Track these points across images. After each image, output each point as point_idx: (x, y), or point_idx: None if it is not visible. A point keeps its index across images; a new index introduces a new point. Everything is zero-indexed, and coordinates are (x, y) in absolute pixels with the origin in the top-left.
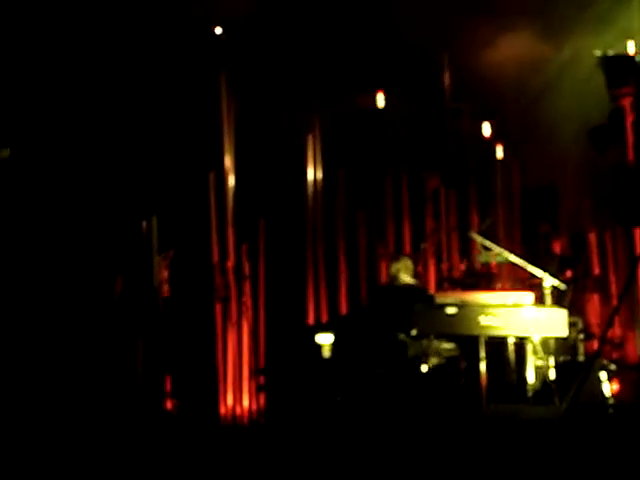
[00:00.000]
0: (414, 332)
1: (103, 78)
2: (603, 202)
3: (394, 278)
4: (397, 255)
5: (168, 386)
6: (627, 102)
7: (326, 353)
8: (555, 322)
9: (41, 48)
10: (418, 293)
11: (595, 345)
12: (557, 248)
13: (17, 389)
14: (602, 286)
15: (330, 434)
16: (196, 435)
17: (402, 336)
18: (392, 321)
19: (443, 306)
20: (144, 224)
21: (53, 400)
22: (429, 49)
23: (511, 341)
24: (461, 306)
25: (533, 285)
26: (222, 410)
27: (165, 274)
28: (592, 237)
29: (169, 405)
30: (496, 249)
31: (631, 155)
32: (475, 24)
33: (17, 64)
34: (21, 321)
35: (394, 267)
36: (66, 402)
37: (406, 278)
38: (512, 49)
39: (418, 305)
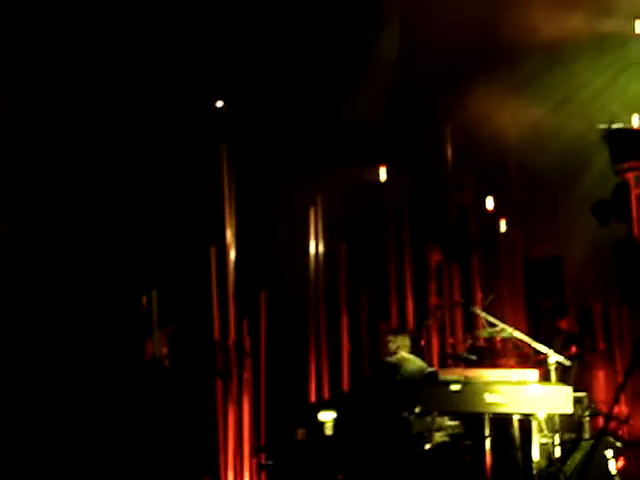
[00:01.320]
0: (418, 409)
1: (104, 152)
2: (608, 277)
3: (394, 354)
4: (396, 332)
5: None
6: (631, 176)
7: (328, 431)
8: (560, 399)
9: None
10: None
11: (601, 422)
12: (562, 323)
13: None
14: (608, 362)
15: None
16: None
17: (406, 413)
18: (396, 398)
19: (447, 383)
20: (144, 299)
21: None
22: (432, 123)
23: (516, 418)
24: (465, 383)
25: (538, 361)
26: None
27: (165, 350)
28: (597, 312)
29: None
30: (500, 325)
31: (636, 230)
32: (478, 98)
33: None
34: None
35: (394, 344)
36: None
37: (405, 355)
38: (515, 123)
39: (422, 382)
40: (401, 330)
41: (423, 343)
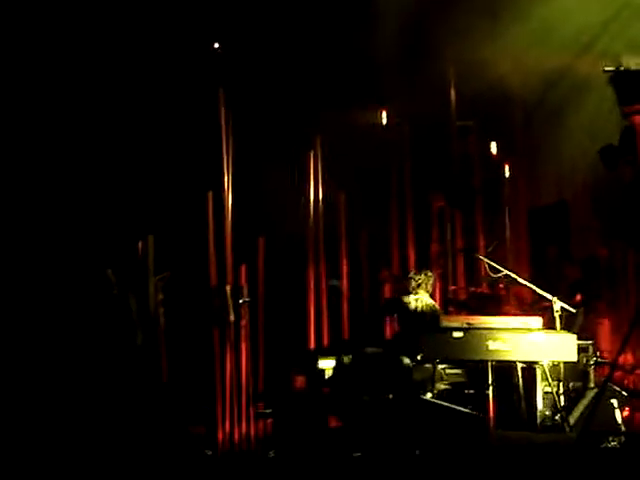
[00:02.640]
0: (419, 357)
1: (101, 94)
2: (614, 223)
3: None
4: (419, 269)
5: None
6: (639, 120)
7: (328, 378)
8: (565, 347)
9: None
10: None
11: (606, 371)
12: (567, 270)
13: None
14: (613, 309)
15: (332, 461)
16: (194, 460)
17: (407, 361)
18: (397, 345)
19: (449, 330)
20: (140, 244)
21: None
22: (435, 66)
23: (520, 366)
24: (468, 330)
25: (542, 309)
26: (220, 435)
27: (161, 296)
28: (603, 259)
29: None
30: (504, 271)
31: None
32: (484, 42)
33: None
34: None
35: (415, 282)
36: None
37: (423, 295)
38: (521, 67)
39: (424, 329)
40: (424, 268)
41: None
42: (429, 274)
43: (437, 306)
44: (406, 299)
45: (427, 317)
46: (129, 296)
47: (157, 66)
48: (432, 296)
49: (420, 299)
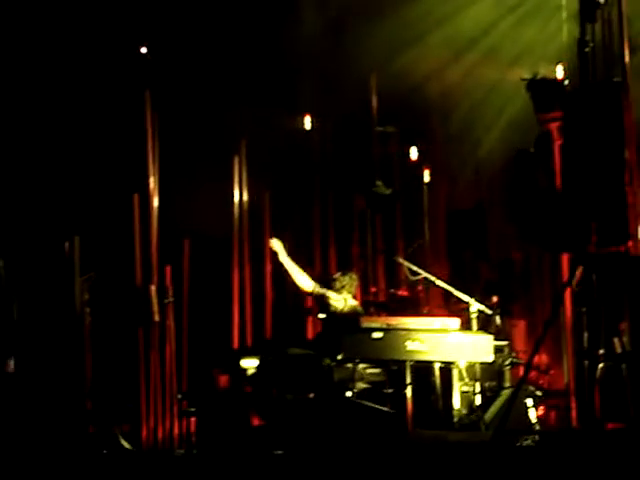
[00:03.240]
0: (340, 357)
1: (25, 96)
2: (530, 227)
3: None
4: (344, 271)
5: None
6: (554, 127)
7: (250, 377)
8: (481, 347)
9: None
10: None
11: (521, 371)
12: (483, 273)
13: None
14: (529, 312)
15: (254, 459)
16: (118, 460)
17: (327, 361)
18: (318, 345)
19: (369, 330)
20: (66, 245)
21: None
22: (357, 72)
23: (437, 366)
24: (387, 331)
25: (459, 310)
26: (144, 434)
27: (86, 297)
28: (518, 262)
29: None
30: (422, 273)
31: (558, 180)
32: (402, 49)
33: None
34: None
35: (340, 283)
36: None
37: (347, 296)
38: (438, 72)
39: (344, 330)
40: (349, 269)
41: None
42: (353, 276)
43: (360, 307)
44: (330, 300)
45: (350, 318)
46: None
47: (84, 68)
48: (355, 297)
49: (344, 300)
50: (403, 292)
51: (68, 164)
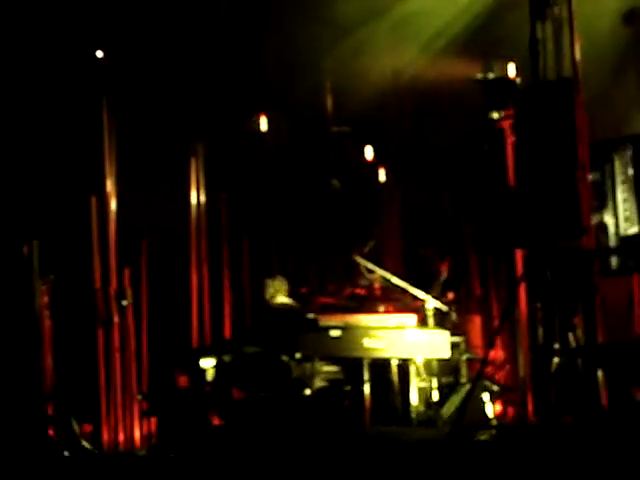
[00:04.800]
0: (298, 355)
1: None
2: (484, 224)
3: (270, 300)
4: (272, 277)
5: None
6: (507, 124)
7: (210, 377)
8: (438, 344)
9: None
10: (296, 313)
11: (478, 366)
12: (440, 269)
13: None
14: (484, 307)
15: (214, 459)
16: (79, 463)
17: (286, 358)
18: (275, 343)
19: (327, 329)
20: (25, 248)
21: None
22: (311, 72)
23: (394, 363)
24: (345, 329)
25: (416, 307)
26: (105, 435)
27: (45, 299)
28: (473, 259)
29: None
30: (379, 271)
31: (511, 177)
32: (355, 46)
33: None
34: None
35: (271, 288)
36: None
37: (283, 299)
38: (393, 72)
39: (302, 327)
40: (276, 274)
41: (305, 290)
42: (281, 280)
43: (294, 302)
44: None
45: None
46: None
47: (41, 71)
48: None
49: (281, 302)
50: (360, 290)
51: (25, 167)
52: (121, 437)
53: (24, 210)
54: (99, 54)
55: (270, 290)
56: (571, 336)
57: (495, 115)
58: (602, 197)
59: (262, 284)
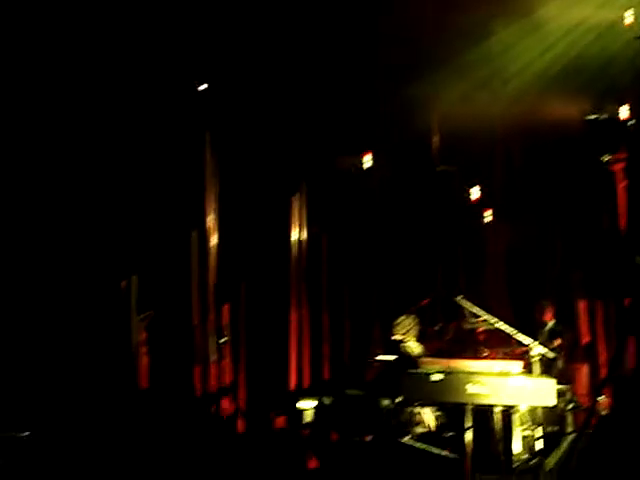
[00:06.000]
0: (399, 399)
1: (87, 135)
2: (594, 270)
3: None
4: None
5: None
6: (619, 168)
7: (308, 419)
8: (543, 391)
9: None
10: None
11: (584, 416)
12: (547, 316)
13: None
14: (592, 355)
15: None
16: None
17: (387, 403)
18: (378, 387)
19: (429, 373)
20: (124, 283)
21: None
22: (417, 110)
23: (498, 410)
24: (447, 373)
25: (522, 353)
26: None
27: (144, 335)
28: (582, 306)
29: None
30: (483, 315)
31: (623, 222)
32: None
33: None
34: None
35: (402, 328)
36: None
37: (412, 344)
38: (501, 110)
39: (404, 372)
40: (407, 312)
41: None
42: (414, 318)
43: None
44: (404, 345)
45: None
46: None
47: (145, 106)
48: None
49: (411, 344)
50: (464, 335)
51: (128, 204)
52: None
53: (124, 245)
54: (202, 87)
55: (399, 329)
56: None
57: (607, 157)
58: None
59: (391, 323)
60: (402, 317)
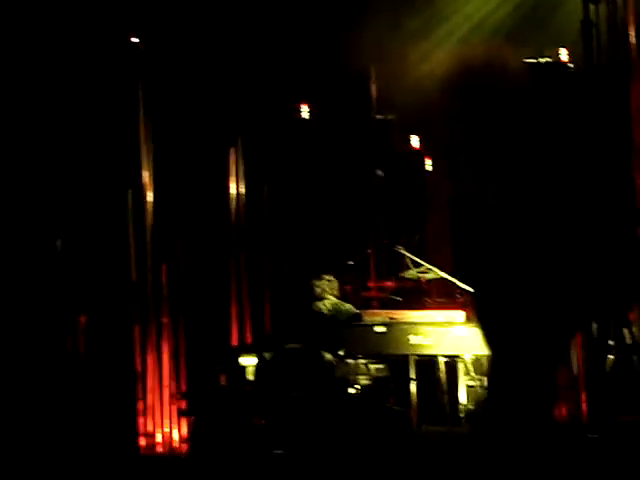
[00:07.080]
0: (342, 352)
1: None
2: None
3: (319, 299)
4: (319, 275)
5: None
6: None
7: (250, 375)
8: None
9: None
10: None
11: None
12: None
13: None
14: None
15: (255, 459)
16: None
17: (329, 356)
18: (319, 341)
19: (371, 325)
20: (59, 243)
21: None
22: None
23: (442, 360)
24: (390, 325)
25: (464, 303)
26: (142, 437)
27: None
28: None
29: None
30: (426, 265)
31: None
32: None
33: None
34: None
35: (318, 288)
36: None
37: (332, 299)
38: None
39: (345, 324)
40: (324, 273)
41: (349, 288)
42: (330, 279)
43: (347, 305)
44: (316, 306)
45: (342, 317)
46: None
47: (73, 61)
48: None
49: (328, 303)
50: (406, 285)
51: (59, 161)
52: (158, 437)
53: (58, 204)
54: (134, 40)
55: (317, 290)
56: (626, 332)
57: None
58: None
59: (309, 284)
60: (315, 280)
